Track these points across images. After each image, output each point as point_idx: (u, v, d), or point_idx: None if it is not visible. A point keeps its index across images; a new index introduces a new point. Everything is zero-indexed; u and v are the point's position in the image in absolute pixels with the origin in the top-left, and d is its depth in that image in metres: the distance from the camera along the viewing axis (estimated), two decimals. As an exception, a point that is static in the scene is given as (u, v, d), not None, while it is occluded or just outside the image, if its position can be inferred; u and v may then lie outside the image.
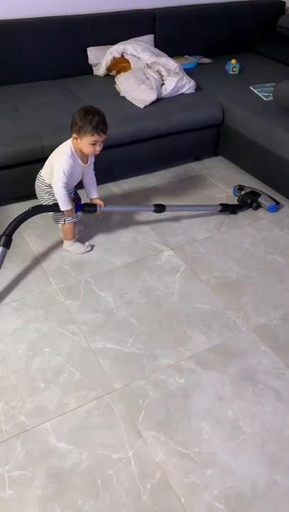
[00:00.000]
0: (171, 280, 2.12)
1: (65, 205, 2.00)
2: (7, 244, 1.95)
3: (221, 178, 2.91)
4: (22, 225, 2.28)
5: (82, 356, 1.75)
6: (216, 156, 3.12)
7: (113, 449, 1.47)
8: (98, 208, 2.15)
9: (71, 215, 2.08)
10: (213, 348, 1.81)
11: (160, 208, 2.34)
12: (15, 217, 2.02)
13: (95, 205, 2.15)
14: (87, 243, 2.29)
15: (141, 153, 2.77)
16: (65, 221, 2.15)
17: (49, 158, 2.01)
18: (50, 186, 2.03)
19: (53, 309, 1.95)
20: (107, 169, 2.70)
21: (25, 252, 2.25)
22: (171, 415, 1.57)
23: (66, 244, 2.25)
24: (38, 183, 2.08)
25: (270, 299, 2.04)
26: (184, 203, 2.65)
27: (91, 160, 2.06)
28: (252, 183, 2.80)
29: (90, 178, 2.15)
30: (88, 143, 1.86)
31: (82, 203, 2.15)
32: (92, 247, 2.30)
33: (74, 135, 1.88)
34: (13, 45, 2.83)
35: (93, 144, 1.87)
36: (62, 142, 2.01)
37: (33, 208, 2.04)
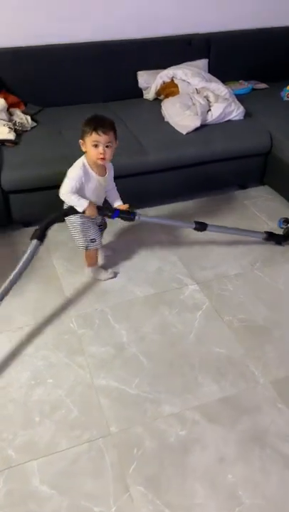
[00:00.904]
0: (190, 318, 2.01)
1: (80, 205, 1.88)
2: (41, 238, 1.85)
3: (264, 209, 2.75)
4: (52, 246, 2.31)
5: (83, 392, 1.69)
6: (263, 185, 2.96)
7: (96, 501, 1.38)
8: (137, 217, 2.03)
9: (92, 214, 1.94)
10: (223, 400, 1.67)
11: (201, 226, 2.22)
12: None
13: (133, 213, 2.02)
14: (110, 270, 2.24)
15: (181, 179, 2.70)
16: (87, 248, 2.11)
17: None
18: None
19: (64, 338, 1.91)
20: (144, 194, 2.66)
21: (50, 275, 2.25)
22: (165, 471, 1.46)
23: (88, 270, 2.21)
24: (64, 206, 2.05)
25: (297, 349, 1.86)
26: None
27: (110, 173, 2.00)
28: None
29: (114, 194, 2.08)
30: (91, 145, 1.82)
31: (121, 210, 2.03)
32: (116, 274, 2.24)
33: (81, 141, 1.85)
34: (66, 69, 2.88)
35: (96, 146, 1.82)
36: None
37: (64, 209, 1.97)
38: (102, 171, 1.95)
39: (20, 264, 1.80)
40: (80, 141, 1.87)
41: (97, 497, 1.39)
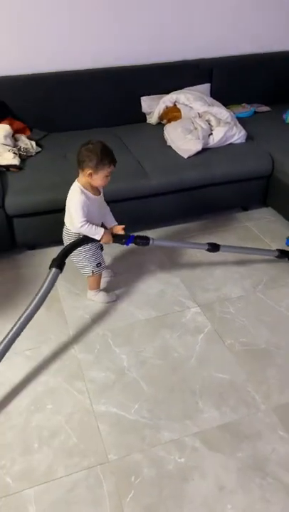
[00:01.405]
0: (192, 341, 2.00)
1: (97, 234, 1.92)
2: (60, 267, 1.86)
3: (266, 231, 2.75)
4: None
5: (82, 418, 1.68)
6: (266, 207, 2.97)
7: (92, 530, 1.36)
8: (151, 242, 2.05)
9: (108, 241, 1.97)
10: (224, 426, 1.65)
11: (214, 247, 2.25)
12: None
13: (148, 238, 2.05)
14: (112, 293, 2.25)
15: (183, 202, 2.72)
16: (93, 272, 2.12)
17: (66, 208, 2.01)
18: (77, 235, 2.02)
19: (65, 363, 1.91)
20: (147, 216, 2.68)
21: (52, 298, 2.25)
22: (163, 500, 1.43)
23: (90, 294, 2.22)
24: (65, 235, 2.07)
25: (299, 374, 1.84)
26: (223, 254, 2.51)
27: (101, 191, 2.03)
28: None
29: (109, 215, 2.11)
30: (104, 175, 1.88)
31: (134, 235, 2.05)
32: (118, 296, 2.25)
33: (89, 171, 1.86)
34: (71, 95, 2.95)
35: (107, 176, 1.89)
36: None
37: (80, 238, 1.98)
38: (96, 191, 1.98)
39: (41, 292, 1.77)
40: (90, 171, 1.86)
41: (94, 527, 1.37)
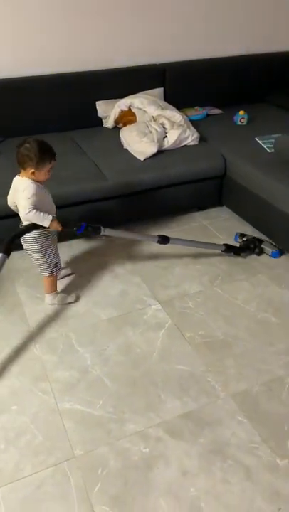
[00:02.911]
0: (153, 337, 2.06)
1: (45, 220, 1.93)
2: (7, 252, 1.86)
3: (222, 228, 2.86)
4: (14, 274, 2.34)
5: (48, 417, 1.71)
6: (221, 206, 3.08)
7: (61, 524, 1.39)
8: (102, 230, 2.10)
9: (57, 228, 1.96)
10: (185, 415, 1.71)
11: (164, 240, 2.32)
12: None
13: (99, 227, 2.09)
14: (73, 294, 2.28)
15: (141, 203, 2.79)
16: (52, 273, 2.15)
17: (17, 203, 2.01)
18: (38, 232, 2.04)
19: (28, 364, 1.93)
20: (105, 218, 2.73)
21: (13, 302, 2.27)
22: (129, 489, 1.48)
23: (48, 298, 2.23)
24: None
25: (256, 362, 1.93)
26: (182, 252, 2.59)
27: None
28: (253, 234, 2.73)
29: None
30: (46, 171, 1.94)
31: (87, 223, 2.06)
32: (78, 297, 2.29)
33: (31, 170, 1.90)
34: (26, 100, 2.97)
35: (49, 171, 1.96)
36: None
37: (29, 224, 1.99)
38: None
39: None
40: (32, 170, 1.90)
41: (62, 520, 1.40)
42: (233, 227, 2.86)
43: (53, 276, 2.19)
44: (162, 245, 2.36)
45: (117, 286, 2.38)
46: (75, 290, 2.33)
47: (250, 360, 1.95)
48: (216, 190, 2.96)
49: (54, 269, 2.15)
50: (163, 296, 2.31)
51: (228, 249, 2.53)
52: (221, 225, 2.90)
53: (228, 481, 1.50)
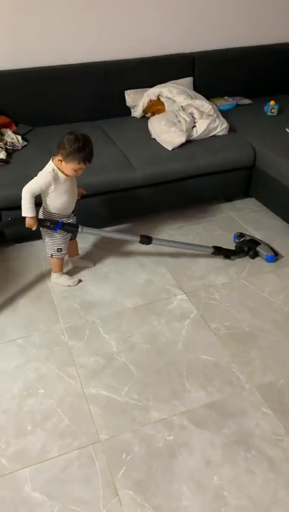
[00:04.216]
0: (178, 327, 2.07)
1: (25, 210, 1.96)
2: None
3: (249, 220, 2.83)
4: (42, 262, 2.40)
5: (74, 401, 1.74)
6: (249, 197, 3.04)
7: (86, 505, 1.42)
8: (80, 229, 2.12)
9: (31, 225, 1.99)
10: (210, 405, 1.72)
11: (146, 240, 2.28)
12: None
13: (76, 226, 2.12)
14: (75, 277, 2.34)
15: (168, 193, 2.78)
16: (52, 255, 2.22)
17: None
18: (48, 212, 2.09)
19: (55, 349, 1.97)
20: (132, 208, 2.74)
21: (41, 289, 2.31)
22: (153, 475, 1.50)
23: (53, 276, 2.32)
24: (40, 212, 2.13)
25: (282, 355, 1.92)
26: (207, 243, 2.54)
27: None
28: (282, 227, 2.70)
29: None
30: (72, 168, 1.94)
31: (64, 222, 2.09)
32: (79, 281, 2.33)
33: (59, 157, 1.93)
34: (56, 89, 2.98)
35: (75, 170, 1.95)
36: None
37: (18, 217, 2.02)
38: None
39: None
40: (59, 158, 1.93)
41: (87, 502, 1.43)
42: (261, 219, 2.83)
43: (56, 259, 2.25)
44: (150, 236, 2.32)
45: (143, 275, 2.39)
46: (101, 279, 2.36)
47: (276, 352, 1.93)
48: (245, 182, 2.93)
49: (55, 253, 2.21)
50: (188, 286, 2.31)
51: (218, 251, 2.44)
52: (249, 216, 2.87)
53: (251, 472, 1.50)
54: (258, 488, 1.46)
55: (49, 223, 2.06)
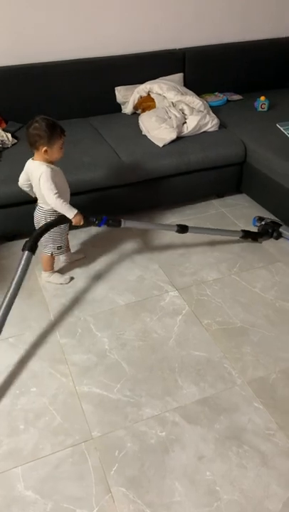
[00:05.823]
0: (171, 323, 2.07)
1: (70, 211, 1.97)
2: (32, 249, 1.88)
3: (241, 216, 2.83)
4: (34, 259, 2.36)
5: (66, 399, 1.74)
6: (240, 193, 3.05)
7: (79, 503, 1.42)
8: (123, 223, 2.13)
9: (78, 222, 1.99)
10: (202, 401, 1.72)
11: (182, 229, 2.33)
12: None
13: (120, 221, 2.12)
14: (66, 275, 2.33)
15: (159, 189, 2.78)
16: (52, 254, 2.20)
17: (35, 187, 2.05)
18: (50, 212, 2.07)
19: (47, 347, 1.96)
20: (122, 204, 2.73)
21: (33, 287, 2.30)
22: (145, 471, 1.50)
23: (44, 275, 2.30)
24: (37, 214, 2.12)
25: (273, 350, 1.93)
26: (199, 239, 2.57)
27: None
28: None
29: None
30: (59, 147, 1.96)
31: (108, 217, 2.09)
32: (72, 278, 2.32)
33: (43, 148, 1.93)
34: (45, 86, 2.96)
35: (61, 148, 1.98)
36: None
37: (54, 219, 2.02)
38: (56, 165, 2.04)
39: (16, 277, 1.82)
40: (44, 148, 1.93)
41: (80, 499, 1.43)
42: (252, 214, 2.83)
43: (53, 257, 2.24)
44: (187, 225, 2.35)
45: (135, 272, 2.39)
46: (92, 275, 2.35)
47: (267, 347, 1.94)
48: (236, 178, 2.93)
49: (56, 251, 2.21)
50: (180, 283, 2.31)
51: (246, 235, 2.51)
52: (240, 212, 2.88)
53: (244, 466, 1.51)
54: (250, 482, 1.47)
55: (94, 219, 2.05)
